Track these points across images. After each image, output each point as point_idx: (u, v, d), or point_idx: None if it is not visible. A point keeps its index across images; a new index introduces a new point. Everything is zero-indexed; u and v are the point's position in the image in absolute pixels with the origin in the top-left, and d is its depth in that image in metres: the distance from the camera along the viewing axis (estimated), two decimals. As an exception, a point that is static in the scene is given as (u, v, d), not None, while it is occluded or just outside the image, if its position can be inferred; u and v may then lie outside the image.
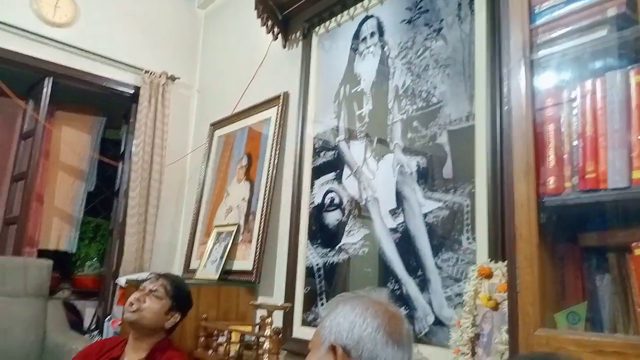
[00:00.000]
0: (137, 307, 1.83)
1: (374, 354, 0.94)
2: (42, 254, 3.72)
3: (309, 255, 2.42)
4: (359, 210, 2.21)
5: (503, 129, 1.48)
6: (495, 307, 1.46)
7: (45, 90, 3.37)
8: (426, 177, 1.92)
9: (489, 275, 1.51)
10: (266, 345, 1.77)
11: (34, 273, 3.09)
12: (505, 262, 1.31)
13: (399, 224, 2.00)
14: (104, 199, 4.56)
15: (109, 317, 3.40)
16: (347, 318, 0.98)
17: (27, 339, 2.86)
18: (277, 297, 2.62)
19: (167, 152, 3.60)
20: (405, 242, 1.95)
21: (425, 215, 1.90)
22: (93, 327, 3.72)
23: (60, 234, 3.84)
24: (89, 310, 4.10)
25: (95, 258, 4.41)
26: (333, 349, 0.97)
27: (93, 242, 4.46)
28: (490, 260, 1.58)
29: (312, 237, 2.43)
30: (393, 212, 2.04)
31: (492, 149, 1.69)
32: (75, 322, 3.70)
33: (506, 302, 1.29)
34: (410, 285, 1.88)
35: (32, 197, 3.46)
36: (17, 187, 3.47)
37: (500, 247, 1.58)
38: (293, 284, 2.44)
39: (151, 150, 3.51)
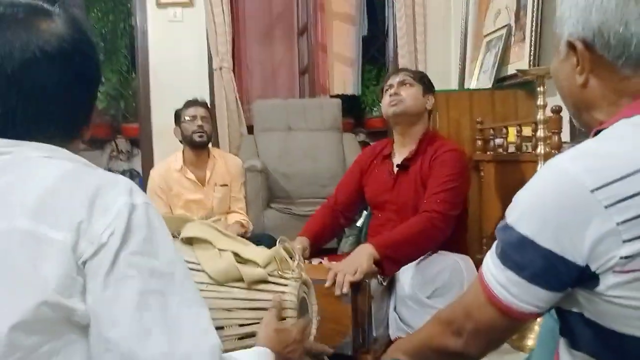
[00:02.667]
0: (397, 99, 1.85)
1: (626, 34, 0.67)
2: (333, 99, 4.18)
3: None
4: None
5: None
6: None
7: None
8: None
9: None
10: (541, 116, 1.58)
11: (328, 110, 3.52)
12: None
13: None
14: (379, 46, 4.76)
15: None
16: (579, 2, 0.71)
17: (331, 163, 3.35)
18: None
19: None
20: None
21: None
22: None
23: (344, 78, 4.23)
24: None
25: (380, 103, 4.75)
26: (570, 45, 0.72)
27: (377, 87, 4.78)
28: None
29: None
30: None
31: None
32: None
33: None
34: None
35: (316, 47, 3.85)
36: (303, 39, 3.91)
37: None
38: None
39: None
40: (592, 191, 0.60)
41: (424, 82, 1.89)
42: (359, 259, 1.46)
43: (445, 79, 3.48)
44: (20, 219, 0.57)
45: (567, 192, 0.62)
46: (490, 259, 0.71)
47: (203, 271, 0.97)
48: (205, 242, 1.02)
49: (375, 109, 4.70)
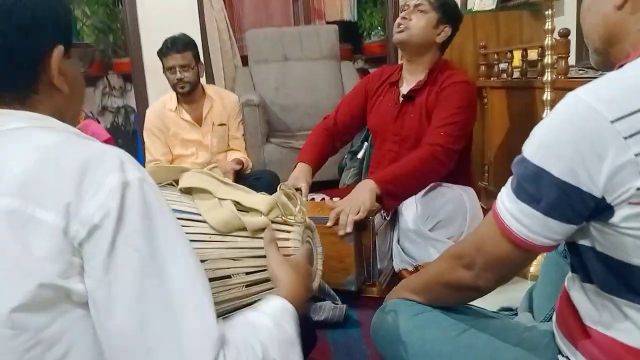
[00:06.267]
0: (404, 25, 1.76)
1: None
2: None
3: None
4: None
5: None
6: None
7: None
8: None
9: None
10: (548, 41, 1.51)
11: (324, 37, 3.38)
12: None
13: None
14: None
15: (396, 72, 3.58)
16: None
17: (330, 93, 3.27)
18: (568, 18, 2.21)
19: None
20: None
21: None
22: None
23: (340, 3, 4.03)
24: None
25: (379, 27, 4.56)
26: None
27: (374, 11, 4.56)
28: None
29: None
30: None
31: None
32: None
33: None
34: None
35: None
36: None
37: None
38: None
39: None
40: (612, 122, 0.59)
41: (443, 11, 1.76)
42: (362, 196, 1.45)
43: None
44: (5, 198, 0.53)
45: (586, 123, 0.61)
46: (505, 193, 0.71)
47: (205, 222, 0.95)
48: (204, 191, 1.00)
49: (373, 33, 4.52)
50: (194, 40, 2.50)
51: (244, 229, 0.95)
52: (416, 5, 1.77)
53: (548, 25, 1.49)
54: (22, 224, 0.53)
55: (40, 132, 0.60)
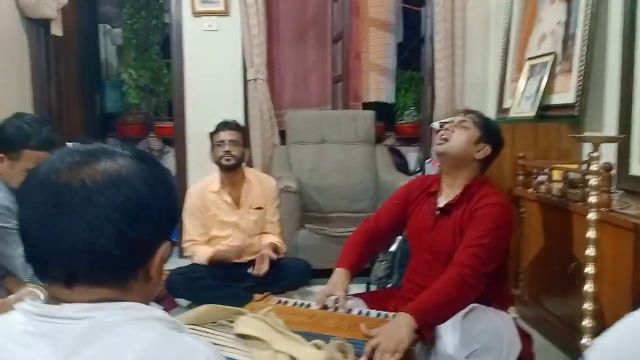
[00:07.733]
0: (446, 136, 1.83)
1: None
2: (366, 106, 4.14)
3: (651, 77, 1.95)
4: None
5: None
6: None
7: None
8: None
9: None
10: (593, 182, 1.55)
11: (361, 122, 3.49)
12: None
13: None
14: (413, 49, 4.67)
15: (428, 159, 3.64)
16: None
17: (364, 177, 3.34)
18: (608, 131, 2.26)
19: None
20: None
21: None
22: (417, 169, 4.07)
23: (378, 86, 4.17)
24: (411, 155, 4.49)
25: (413, 107, 4.68)
26: None
27: (408, 92, 4.70)
28: None
29: (656, 53, 1.92)
30: None
31: None
32: (400, 164, 4.12)
33: None
34: None
35: (350, 55, 3.80)
36: (337, 47, 3.85)
37: None
38: (629, 113, 2.03)
39: (451, -13, 3.31)
40: None
41: (485, 130, 1.82)
42: (399, 333, 1.42)
43: (481, 96, 3.41)
44: None
45: None
46: None
47: (260, 375, 0.98)
48: (260, 339, 1.03)
49: (406, 113, 4.64)
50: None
51: (298, 386, 0.97)
52: (460, 122, 1.84)
53: (595, 167, 1.53)
54: None
55: (135, 329, 0.64)
